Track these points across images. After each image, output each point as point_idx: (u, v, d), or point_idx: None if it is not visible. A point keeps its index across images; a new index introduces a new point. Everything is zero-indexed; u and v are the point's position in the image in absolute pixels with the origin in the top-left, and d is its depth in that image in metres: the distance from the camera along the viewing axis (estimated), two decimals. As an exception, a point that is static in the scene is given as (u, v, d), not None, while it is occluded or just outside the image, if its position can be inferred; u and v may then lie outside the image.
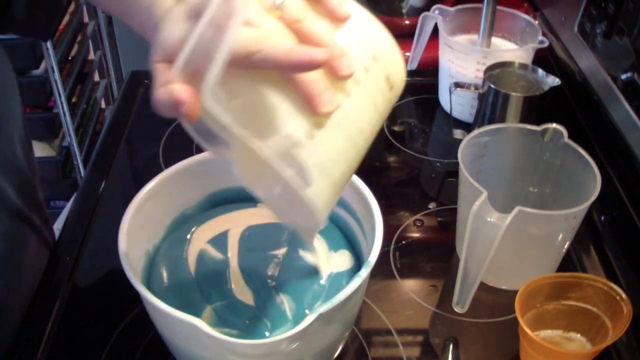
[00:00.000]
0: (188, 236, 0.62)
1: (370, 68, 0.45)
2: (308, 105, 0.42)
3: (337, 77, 0.42)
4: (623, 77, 0.73)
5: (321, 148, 0.43)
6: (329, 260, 0.60)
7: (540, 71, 0.82)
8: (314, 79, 0.41)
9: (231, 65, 0.39)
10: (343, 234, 0.63)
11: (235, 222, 0.63)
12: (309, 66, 0.41)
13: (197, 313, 0.54)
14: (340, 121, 0.44)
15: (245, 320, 0.55)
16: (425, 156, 0.90)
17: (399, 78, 0.47)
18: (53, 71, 1.67)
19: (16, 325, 0.64)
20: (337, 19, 0.44)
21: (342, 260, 0.60)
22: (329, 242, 0.62)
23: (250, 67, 0.41)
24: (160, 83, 0.41)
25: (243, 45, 0.40)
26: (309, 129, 0.42)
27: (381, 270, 0.71)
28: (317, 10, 0.44)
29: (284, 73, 0.42)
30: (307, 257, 0.60)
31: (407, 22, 1.06)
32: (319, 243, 0.61)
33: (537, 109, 0.81)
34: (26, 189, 0.69)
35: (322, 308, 0.48)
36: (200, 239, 0.62)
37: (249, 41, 0.40)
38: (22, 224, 0.68)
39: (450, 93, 0.87)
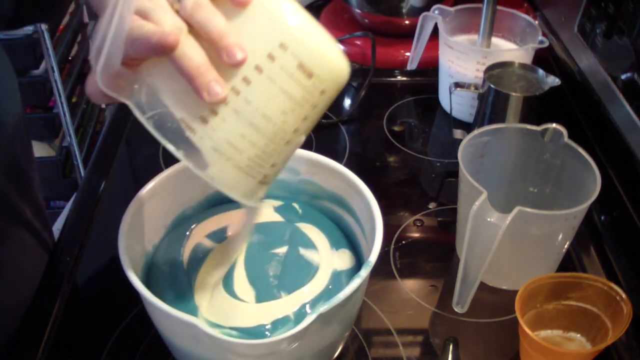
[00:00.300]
0: (187, 233, 0.62)
1: (276, 56, 0.44)
2: (196, 94, 0.44)
3: (226, 64, 0.43)
4: (623, 77, 0.73)
5: (216, 133, 0.45)
6: (331, 258, 0.60)
7: (540, 71, 0.82)
8: (201, 69, 0.43)
9: (129, 53, 0.43)
10: (344, 234, 0.63)
11: (236, 220, 0.63)
12: (162, 49, 0.42)
13: (193, 311, 0.55)
14: (239, 108, 0.45)
15: (246, 318, 0.55)
16: (425, 156, 0.90)
17: (319, 65, 0.46)
18: (53, 71, 1.67)
19: (15, 328, 0.64)
20: (237, 2, 0.44)
21: (343, 259, 0.60)
22: (331, 240, 0.62)
23: (140, 55, 0.44)
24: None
25: (129, 33, 0.43)
26: (204, 115, 0.45)
27: (381, 270, 0.71)
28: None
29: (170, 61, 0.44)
30: (309, 255, 0.60)
31: (407, 22, 1.06)
32: (321, 241, 0.62)
33: (537, 109, 0.81)
34: (27, 191, 0.69)
35: (322, 308, 0.48)
36: (198, 235, 0.62)
37: (132, 30, 0.43)
38: (21, 228, 0.68)
39: (450, 93, 0.87)
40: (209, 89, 0.43)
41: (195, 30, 0.44)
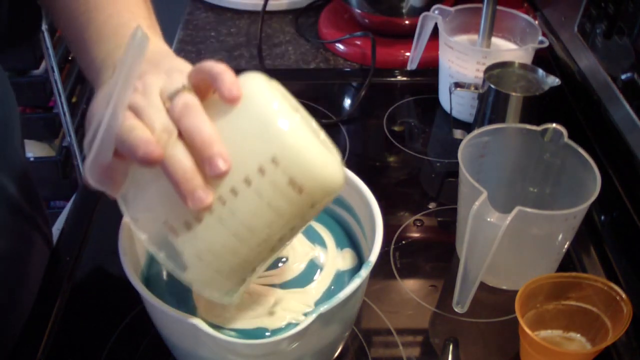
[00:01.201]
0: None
1: (267, 170, 0.43)
2: (181, 199, 0.43)
3: (209, 175, 0.43)
4: (623, 77, 0.73)
5: (198, 240, 0.45)
6: (336, 258, 0.60)
7: (540, 71, 0.82)
8: (187, 175, 0.43)
9: (119, 150, 0.43)
10: (346, 233, 0.63)
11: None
12: (146, 162, 0.42)
13: (192, 312, 0.54)
14: (224, 218, 0.44)
15: (247, 317, 0.55)
16: (425, 156, 0.90)
17: (311, 181, 0.44)
18: (53, 71, 1.67)
19: (23, 323, 0.64)
20: (227, 102, 0.44)
21: (346, 259, 0.60)
22: (336, 240, 0.62)
23: (126, 157, 0.44)
24: None
25: (119, 134, 0.43)
26: (188, 220, 0.44)
27: (381, 270, 0.71)
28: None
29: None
30: (315, 254, 0.60)
31: (407, 22, 1.06)
32: (328, 240, 0.62)
33: (537, 109, 0.81)
34: (28, 188, 0.69)
35: (322, 308, 0.48)
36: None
37: (122, 131, 0.43)
38: (25, 222, 0.68)
39: (450, 93, 0.87)
40: (193, 196, 0.43)
41: (184, 134, 0.44)
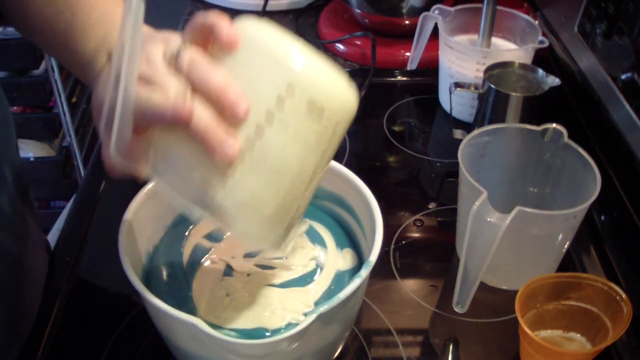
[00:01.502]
0: (186, 233, 0.62)
1: (285, 98, 0.43)
2: (210, 156, 0.43)
3: (233, 121, 0.43)
4: (623, 77, 0.73)
5: (237, 189, 0.44)
6: (336, 258, 0.60)
7: (540, 71, 0.82)
8: (210, 129, 0.43)
9: (140, 123, 0.43)
10: (346, 233, 0.63)
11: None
12: (179, 122, 0.42)
13: (192, 312, 0.55)
14: (257, 160, 0.44)
15: (247, 317, 0.55)
16: (425, 156, 0.90)
17: (329, 99, 0.45)
18: (53, 71, 1.67)
19: (32, 320, 0.65)
20: (227, 47, 0.44)
21: (346, 259, 0.61)
22: (336, 239, 0.62)
23: (153, 124, 0.44)
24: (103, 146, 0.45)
25: (136, 106, 0.43)
26: (222, 172, 0.44)
27: (381, 270, 0.71)
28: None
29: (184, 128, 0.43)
30: (316, 254, 0.60)
31: (407, 22, 1.06)
32: (328, 240, 0.62)
33: (537, 109, 0.81)
34: (24, 191, 0.69)
35: (322, 308, 0.48)
36: (197, 235, 0.62)
37: (140, 102, 0.43)
38: (23, 221, 0.68)
39: (450, 93, 0.87)
40: (222, 146, 0.42)
41: (196, 87, 0.44)
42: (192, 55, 0.44)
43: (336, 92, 0.45)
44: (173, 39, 0.46)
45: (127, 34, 0.42)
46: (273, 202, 0.46)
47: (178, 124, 0.42)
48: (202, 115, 0.43)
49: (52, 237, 0.78)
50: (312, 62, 0.44)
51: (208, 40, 0.46)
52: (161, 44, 0.46)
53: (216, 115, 0.43)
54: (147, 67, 0.44)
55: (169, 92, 0.43)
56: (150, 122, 0.44)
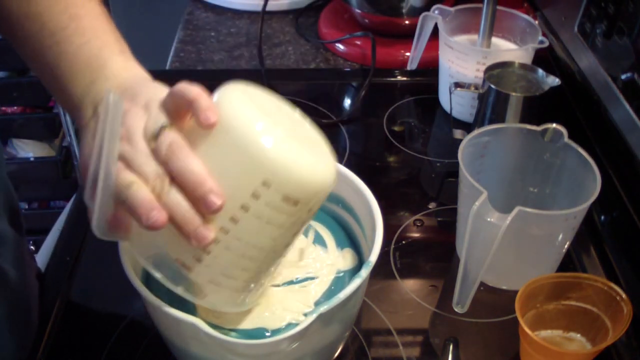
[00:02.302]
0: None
1: (260, 193, 0.44)
2: (186, 240, 0.45)
3: (205, 212, 0.44)
4: (623, 77, 0.73)
5: (211, 269, 0.47)
6: (336, 258, 0.60)
7: (540, 71, 0.82)
8: (186, 217, 0.44)
9: (120, 203, 0.45)
10: (346, 233, 0.63)
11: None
12: (153, 227, 0.43)
13: (191, 313, 0.54)
14: (229, 244, 0.46)
15: (247, 317, 0.55)
16: (425, 156, 0.90)
17: (304, 193, 0.46)
18: (53, 71, 1.67)
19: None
20: (204, 127, 0.44)
21: (346, 259, 0.60)
22: (336, 239, 0.62)
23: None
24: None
25: (116, 190, 0.44)
26: (196, 254, 0.46)
27: (381, 270, 0.71)
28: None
29: None
30: (317, 254, 0.60)
31: (407, 22, 1.06)
32: (329, 240, 0.62)
33: (537, 109, 0.81)
34: (15, 210, 0.68)
35: (322, 308, 0.48)
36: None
37: (119, 188, 0.44)
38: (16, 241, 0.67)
39: (450, 93, 0.87)
40: (196, 235, 0.44)
41: (174, 175, 0.45)
42: (171, 141, 0.45)
43: (311, 183, 0.46)
44: (154, 112, 0.47)
45: (107, 125, 0.44)
46: (243, 278, 0.49)
47: (149, 228, 0.43)
48: (179, 205, 0.44)
49: (52, 237, 0.78)
50: (286, 156, 0.44)
51: (187, 113, 0.47)
52: (143, 116, 0.47)
53: (192, 206, 0.44)
54: (128, 147, 0.46)
55: (147, 177, 0.44)
56: (128, 212, 0.45)
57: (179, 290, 0.49)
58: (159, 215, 0.43)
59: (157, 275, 0.48)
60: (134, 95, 0.49)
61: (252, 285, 0.50)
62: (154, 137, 0.46)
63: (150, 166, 0.45)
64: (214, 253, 0.46)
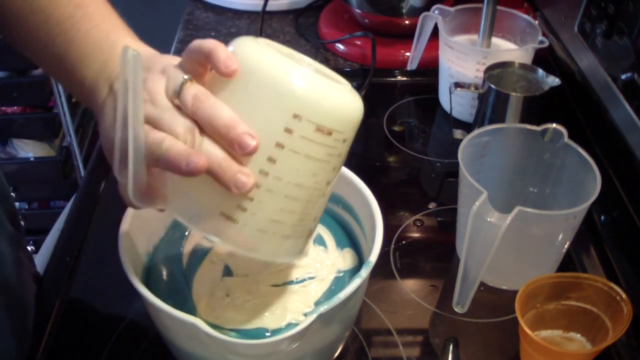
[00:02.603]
0: (186, 233, 0.62)
1: (293, 128, 0.44)
2: (226, 189, 0.44)
3: (241, 155, 0.44)
4: (623, 77, 0.73)
5: (257, 216, 0.46)
6: (336, 258, 0.60)
7: (540, 71, 0.82)
8: (223, 165, 0.44)
9: (154, 165, 0.44)
10: (346, 233, 0.63)
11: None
12: (194, 173, 0.43)
13: (191, 312, 0.55)
14: (271, 187, 0.45)
15: (247, 317, 0.55)
16: (425, 156, 0.90)
17: (336, 122, 0.46)
18: (53, 71, 1.67)
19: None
20: (226, 76, 0.44)
21: (346, 259, 0.61)
22: (336, 239, 0.62)
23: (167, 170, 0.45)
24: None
25: (148, 152, 0.44)
26: (240, 203, 0.45)
27: (381, 270, 0.71)
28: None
29: None
30: (317, 254, 0.60)
31: (407, 22, 1.06)
32: (329, 240, 0.62)
33: (537, 109, 0.81)
34: (16, 220, 0.68)
35: (322, 308, 0.48)
36: (197, 235, 0.62)
37: (151, 148, 0.44)
38: (16, 251, 0.67)
39: (450, 93, 0.87)
40: (235, 182, 0.43)
41: (203, 126, 0.44)
42: (195, 93, 0.45)
43: (342, 111, 0.46)
44: (173, 72, 0.47)
45: (129, 84, 0.43)
46: (291, 222, 0.48)
47: (192, 175, 0.43)
48: (213, 154, 0.44)
49: (52, 237, 0.78)
50: (313, 87, 0.45)
51: (205, 68, 0.46)
52: (162, 79, 0.47)
53: (227, 153, 0.44)
54: (152, 108, 0.45)
55: (177, 133, 0.44)
56: (164, 168, 0.44)
57: (229, 245, 0.47)
58: (198, 159, 0.42)
59: (213, 238, 0.46)
60: (149, 65, 0.49)
61: (302, 229, 0.49)
62: (176, 94, 0.45)
63: (179, 121, 0.44)
64: (257, 198, 0.45)
